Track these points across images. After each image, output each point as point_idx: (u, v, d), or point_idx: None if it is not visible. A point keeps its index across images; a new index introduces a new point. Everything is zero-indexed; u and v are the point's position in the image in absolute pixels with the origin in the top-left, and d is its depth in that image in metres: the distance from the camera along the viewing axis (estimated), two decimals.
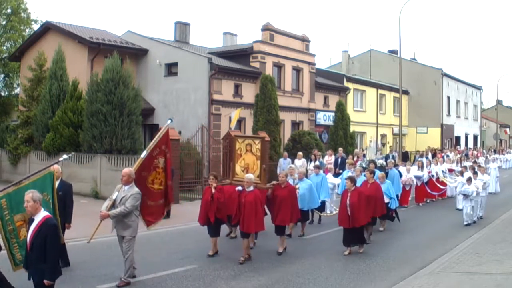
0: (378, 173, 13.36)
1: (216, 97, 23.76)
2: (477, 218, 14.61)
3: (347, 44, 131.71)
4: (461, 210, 14.97)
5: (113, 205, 8.03)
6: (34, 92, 22.55)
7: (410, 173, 17.58)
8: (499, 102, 61.78)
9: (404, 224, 14.18)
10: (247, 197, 9.52)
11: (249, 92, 25.33)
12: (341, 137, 28.42)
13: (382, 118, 38.34)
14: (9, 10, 32.60)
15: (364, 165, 16.89)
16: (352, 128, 30.62)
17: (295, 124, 28.64)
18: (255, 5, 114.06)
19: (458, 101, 47.65)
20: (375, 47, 51.51)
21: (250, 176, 9.78)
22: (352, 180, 10.60)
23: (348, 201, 10.25)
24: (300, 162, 19.90)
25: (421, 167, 18.68)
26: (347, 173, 14.36)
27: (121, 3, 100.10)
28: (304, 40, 29.34)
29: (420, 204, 18.25)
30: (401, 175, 16.74)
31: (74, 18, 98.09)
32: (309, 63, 29.39)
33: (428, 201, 18.85)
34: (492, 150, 41.08)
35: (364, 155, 24.39)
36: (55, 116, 19.77)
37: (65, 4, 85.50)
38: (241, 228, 9.65)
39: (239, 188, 9.88)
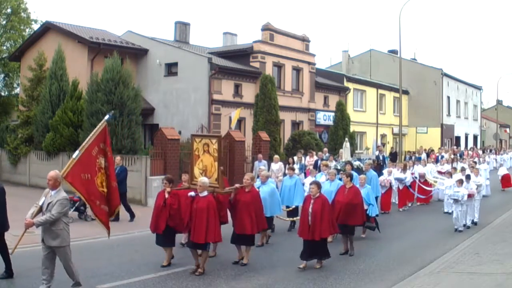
0: (357, 176, 12.20)
1: (216, 97, 23.76)
2: (471, 223, 13.66)
3: (347, 44, 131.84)
4: (450, 213, 14.18)
5: (40, 212, 7.31)
6: (34, 92, 22.56)
7: (391, 175, 16.36)
8: (499, 102, 61.82)
9: (404, 224, 14.19)
10: (199, 203, 8.57)
11: (249, 92, 25.33)
12: (341, 137, 28.38)
13: (382, 118, 38.35)
14: (9, 10, 32.62)
15: (339, 167, 15.36)
16: (352, 128, 30.63)
17: (295, 124, 28.64)
18: (255, 5, 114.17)
19: (458, 101, 47.66)
20: (375, 47, 51.55)
21: (204, 180, 8.82)
22: (318, 185, 9.45)
23: (310, 209, 9.04)
24: (277, 165, 18.17)
25: (403, 169, 17.45)
26: (320, 176, 13.16)
27: (121, 3, 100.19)
28: (304, 40, 29.35)
29: (400, 209, 16.61)
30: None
31: (74, 18, 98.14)
32: (309, 63, 29.40)
33: (410, 204, 17.39)
34: (489, 150, 40.52)
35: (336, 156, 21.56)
36: (55, 116, 19.77)
37: (65, 4, 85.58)
38: (191, 237, 8.65)
39: (192, 193, 8.88)
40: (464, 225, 13.22)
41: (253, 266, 9.37)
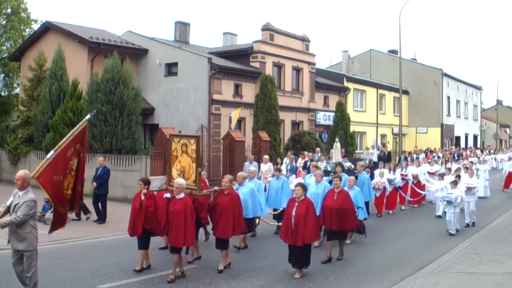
0: (347, 177, 11.80)
1: (216, 97, 23.76)
2: (465, 226, 13.35)
3: (347, 44, 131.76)
4: (441, 217, 13.84)
5: (7, 212, 6.98)
6: (34, 92, 22.57)
7: (384, 177, 15.76)
8: (499, 102, 61.82)
9: (403, 225, 14.20)
10: (175, 205, 8.27)
11: (249, 92, 25.34)
12: (341, 137, 28.36)
13: (382, 118, 38.35)
14: (9, 10, 32.62)
15: (329, 168, 14.50)
16: (352, 128, 30.64)
17: (295, 124, 28.64)
18: (255, 5, 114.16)
19: (458, 101, 47.66)
20: (375, 47, 51.60)
21: (180, 181, 8.53)
22: (304, 187, 8.93)
23: (293, 213, 8.58)
24: (266, 166, 17.73)
25: (393, 169, 16.71)
26: (310, 177, 12.48)
27: (121, 3, 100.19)
28: (304, 40, 29.35)
29: (391, 211, 16.03)
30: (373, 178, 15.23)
31: (74, 18, 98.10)
32: (309, 63, 29.40)
33: (403, 208, 16.87)
34: (488, 150, 40.30)
35: (328, 157, 20.58)
36: (55, 116, 19.78)
37: (65, 4, 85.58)
38: (169, 241, 8.44)
39: (168, 195, 8.59)
40: (457, 230, 12.73)
41: (253, 266, 9.37)
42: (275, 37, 27.09)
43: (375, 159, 27.02)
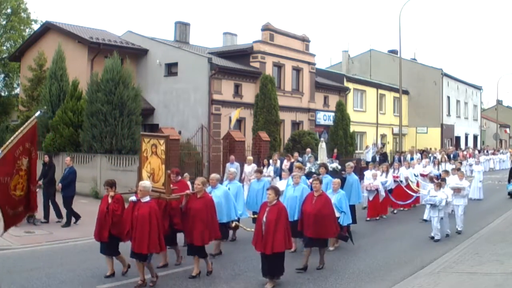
0: (330, 179, 11.16)
1: (216, 97, 23.76)
2: (456, 231, 12.70)
3: (347, 44, 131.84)
4: (427, 221, 13.20)
5: None
6: (34, 92, 22.59)
7: (377, 180, 14.82)
8: (499, 102, 61.84)
9: (402, 225, 14.20)
10: (140, 210, 7.80)
11: (249, 92, 25.34)
12: (341, 137, 28.42)
13: (382, 118, 38.35)
14: (9, 10, 32.62)
15: (314, 170, 13.42)
16: (352, 128, 30.62)
17: (295, 124, 28.64)
18: (255, 5, 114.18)
19: (458, 101, 47.66)
20: (375, 47, 51.51)
21: (145, 184, 8.05)
22: (276, 191, 8.23)
23: (264, 218, 7.97)
24: (250, 167, 16.91)
25: (385, 171, 15.59)
26: (291, 179, 11.47)
27: (121, 3, 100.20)
28: (304, 40, 29.35)
29: (384, 216, 15.17)
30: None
31: (74, 18, 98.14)
32: (309, 63, 29.40)
33: (395, 211, 16.06)
34: (486, 151, 39.91)
35: (315, 158, 18.92)
36: (55, 116, 19.78)
37: (65, 4, 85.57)
38: (132, 247, 7.90)
39: (133, 198, 8.11)
40: (448, 235, 12.16)
41: (253, 266, 9.36)
42: (275, 37, 27.09)
43: (368, 159, 26.13)
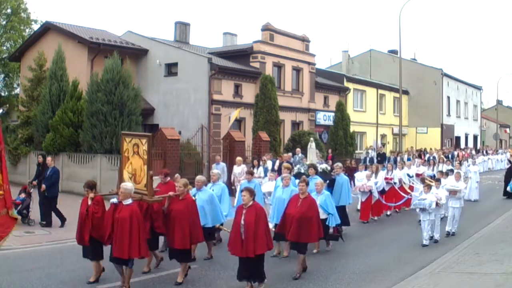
0: (318, 180, 10.77)
1: (216, 97, 23.76)
2: (448, 233, 12.29)
3: (347, 44, 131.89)
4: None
5: None
6: (34, 92, 22.56)
7: (370, 181, 14.38)
8: (499, 102, 61.84)
9: (401, 226, 14.19)
10: (121, 212, 7.53)
11: (249, 92, 25.34)
12: (341, 137, 28.43)
13: (382, 118, 38.36)
14: (9, 10, 32.61)
15: (303, 170, 12.82)
16: (352, 128, 30.63)
17: (295, 124, 28.65)
18: (255, 5, 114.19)
19: (458, 101, 47.66)
20: (375, 47, 51.57)
21: (126, 186, 7.75)
22: (251, 192, 7.81)
23: (242, 221, 7.66)
24: (239, 168, 16.61)
25: (375, 172, 15.07)
26: (280, 181, 11.17)
27: (121, 3, 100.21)
28: (304, 40, 29.35)
29: (376, 218, 14.79)
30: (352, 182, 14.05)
31: (74, 18, 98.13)
32: (309, 63, 29.40)
33: (388, 213, 15.57)
34: (485, 151, 39.69)
35: (300, 157, 18.34)
36: (55, 116, 19.77)
37: (65, 4, 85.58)
38: (113, 252, 7.64)
39: (114, 200, 7.83)
40: (432, 238, 11.65)
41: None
42: (275, 37, 27.10)
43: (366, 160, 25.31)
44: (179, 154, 18.88)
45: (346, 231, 11.87)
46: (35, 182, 13.70)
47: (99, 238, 7.94)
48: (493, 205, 18.27)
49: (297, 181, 10.13)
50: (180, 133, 20.59)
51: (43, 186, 13.07)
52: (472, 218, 14.77)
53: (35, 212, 13.13)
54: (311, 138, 16.20)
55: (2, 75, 33.75)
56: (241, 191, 8.15)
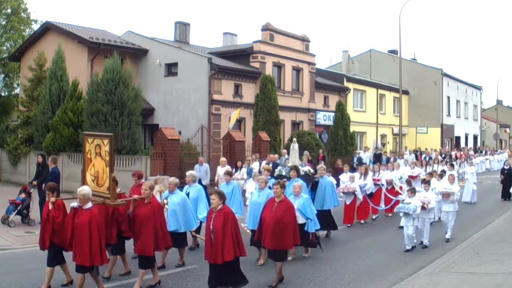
0: (304, 184, 10.32)
1: (216, 97, 23.76)
2: (445, 239, 11.75)
3: (347, 44, 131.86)
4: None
5: None
6: (34, 92, 22.56)
7: (354, 182, 13.89)
8: (499, 102, 61.86)
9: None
10: (80, 217, 7.20)
11: (249, 92, 25.33)
12: (341, 137, 28.40)
13: (382, 118, 38.35)
14: (9, 10, 32.58)
15: (284, 173, 12.11)
16: (352, 128, 30.60)
17: (295, 124, 28.65)
18: (255, 5, 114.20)
19: (458, 101, 47.67)
20: (375, 47, 51.55)
21: (84, 190, 7.37)
22: (221, 195, 7.43)
23: (211, 226, 7.31)
24: (223, 170, 15.57)
25: (364, 173, 14.45)
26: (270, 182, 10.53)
27: (121, 3, 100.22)
28: (304, 40, 29.35)
29: (362, 221, 14.25)
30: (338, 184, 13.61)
31: (74, 18, 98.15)
32: (309, 63, 29.40)
33: (374, 217, 14.90)
34: (485, 151, 39.46)
35: (284, 159, 17.57)
36: (55, 116, 19.78)
37: (65, 4, 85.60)
38: (74, 258, 7.31)
39: (74, 204, 7.49)
40: (421, 242, 11.16)
41: (253, 266, 9.37)
42: (275, 37, 27.09)
43: (364, 160, 24.97)
44: (179, 154, 18.88)
45: (345, 233, 11.84)
46: (35, 182, 13.72)
47: (60, 243, 7.67)
48: (493, 206, 18.27)
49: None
50: (180, 133, 20.59)
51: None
52: (472, 218, 14.77)
53: (35, 212, 13.11)
54: (294, 139, 15.64)
55: (2, 75, 33.73)
56: (210, 194, 7.78)
